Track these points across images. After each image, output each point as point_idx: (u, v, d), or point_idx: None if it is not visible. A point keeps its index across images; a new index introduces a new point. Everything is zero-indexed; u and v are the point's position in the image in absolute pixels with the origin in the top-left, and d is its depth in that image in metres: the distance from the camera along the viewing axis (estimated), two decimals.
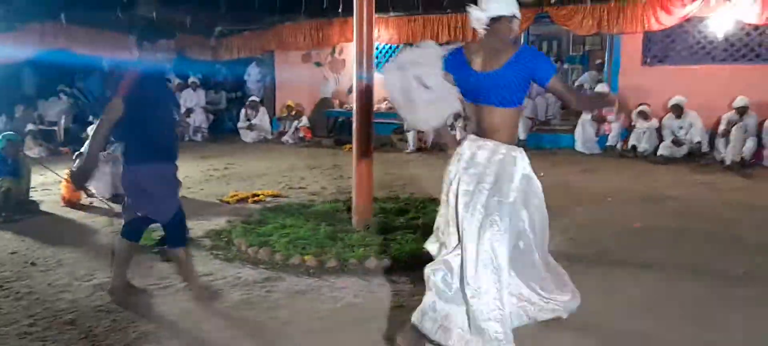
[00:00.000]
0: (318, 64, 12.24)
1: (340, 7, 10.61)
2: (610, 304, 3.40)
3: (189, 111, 11.86)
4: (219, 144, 11.40)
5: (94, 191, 6.36)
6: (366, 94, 4.89)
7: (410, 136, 9.76)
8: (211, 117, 12.31)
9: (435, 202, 5.74)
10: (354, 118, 4.92)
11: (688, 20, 8.47)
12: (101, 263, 4.24)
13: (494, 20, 2.68)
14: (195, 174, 8.04)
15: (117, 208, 6.06)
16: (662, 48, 8.96)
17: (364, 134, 4.92)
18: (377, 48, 11.42)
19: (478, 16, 2.71)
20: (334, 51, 12.02)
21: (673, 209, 5.72)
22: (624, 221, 5.26)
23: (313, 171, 8.21)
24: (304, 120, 11.86)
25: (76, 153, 6.47)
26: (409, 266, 3.96)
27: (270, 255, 4.22)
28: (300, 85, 12.41)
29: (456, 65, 2.71)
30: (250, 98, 11.96)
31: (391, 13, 10.73)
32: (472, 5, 2.78)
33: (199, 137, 11.81)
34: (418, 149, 9.76)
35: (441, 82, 2.66)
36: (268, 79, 13.20)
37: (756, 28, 8.24)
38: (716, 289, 3.60)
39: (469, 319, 2.57)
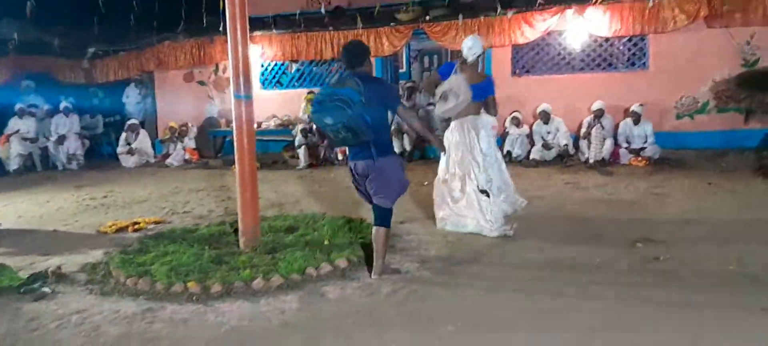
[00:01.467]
0: (201, 83, 11.95)
1: (221, 25, 10.49)
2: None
3: (62, 138, 11.07)
4: (97, 171, 10.74)
5: None
6: (246, 112, 4.87)
7: (301, 152, 9.78)
8: (87, 143, 11.57)
9: (324, 216, 5.89)
10: (235, 138, 4.90)
11: (549, 34, 9.25)
12: None
13: (478, 55, 5.37)
14: (68, 205, 7.55)
15: None
16: (529, 60, 9.71)
17: (248, 153, 4.91)
18: (263, 66, 11.39)
19: (472, 51, 5.32)
20: (217, 69, 11.79)
21: (541, 208, 6.23)
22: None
23: (199, 193, 8.01)
24: (189, 141, 11.50)
25: None
26: (298, 284, 4.02)
27: (150, 285, 4.09)
28: (183, 105, 12.04)
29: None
30: (129, 121, 11.40)
31: (274, 31, 10.73)
32: (470, 38, 5.40)
33: (74, 165, 11.06)
34: (310, 165, 9.80)
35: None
36: (148, 101, 12.66)
37: (607, 39, 9.19)
38: (575, 277, 3.99)
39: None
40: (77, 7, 11.61)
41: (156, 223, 6.28)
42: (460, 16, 9.34)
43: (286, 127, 10.53)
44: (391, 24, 9.77)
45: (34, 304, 3.96)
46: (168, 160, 11.15)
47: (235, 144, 4.95)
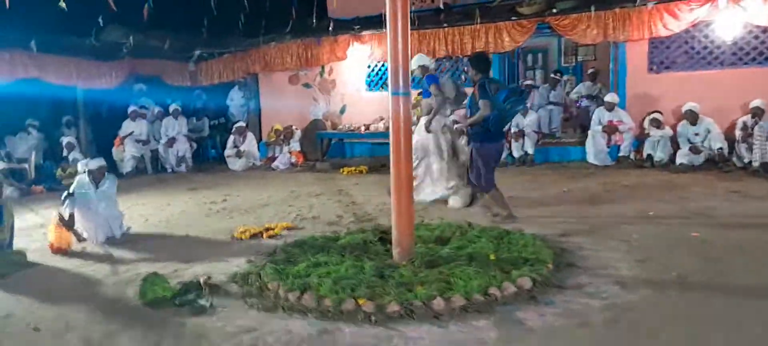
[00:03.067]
0: (307, 85, 11.74)
1: (330, 25, 10.22)
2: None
3: (172, 140, 11.16)
4: (205, 174, 10.75)
5: (86, 235, 5.74)
6: (404, 110, 4.39)
7: None
8: (195, 145, 11.62)
9: (471, 226, 5.36)
10: (391, 138, 4.43)
11: (694, 26, 8.31)
12: (117, 323, 3.62)
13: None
14: (193, 209, 7.41)
15: (116, 252, 5.45)
16: (668, 54, 8.78)
17: (404, 156, 4.43)
18: (369, 66, 11.03)
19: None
20: (323, 71, 11.54)
21: (721, 223, 5.40)
22: (685, 236, 4.90)
23: (320, 198, 7.68)
24: (294, 144, 11.31)
25: (65, 194, 5.79)
26: (483, 307, 3.49)
27: (316, 301, 3.68)
28: (287, 107, 11.88)
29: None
30: (237, 124, 11.35)
31: (384, 30, 10.30)
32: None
33: (183, 168, 11.13)
34: None
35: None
36: (253, 103, 12.62)
37: (765, 30, 8.14)
38: None
39: None
40: (186, 10, 11.69)
41: (288, 229, 5.95)
42: (592, 8, 8.57)
43: None
44: (513, 18, 9.13)
45: (196, 319, 3.63)
46: (274, 164, 11.00)
47: (391, 147, 4.48)
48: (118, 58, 11.00)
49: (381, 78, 11.17)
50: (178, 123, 11.37)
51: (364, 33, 10.43)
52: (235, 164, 11.02)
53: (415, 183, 6.36)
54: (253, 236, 5.73)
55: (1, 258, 5.04)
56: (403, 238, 4.44)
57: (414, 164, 6.39)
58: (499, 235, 4.92)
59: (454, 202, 6.68)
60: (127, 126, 11.07)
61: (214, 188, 9.09)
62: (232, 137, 11.25)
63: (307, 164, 10.98)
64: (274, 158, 11.29)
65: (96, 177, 5.94)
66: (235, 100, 12.70)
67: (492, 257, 4.32)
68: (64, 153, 10.24)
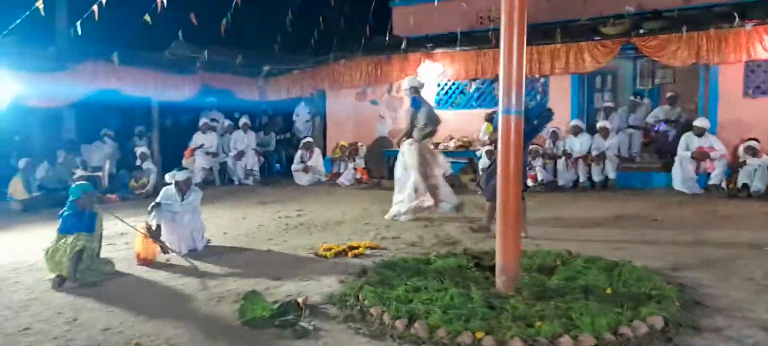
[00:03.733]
0: (374, 102, 11.65)
1: (403, 44, 10.11)
2: None
3: (241, 153, 11.23)
4: (272, 188, 10.74)
5: (171, 247, 5.70)
6: (515, 130, 4.15)
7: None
8: (262, 159, 11.66)
9: (572, 255, 5.05)
10: (500, 158, 4.19)
11: None
12: (221, 343, 3.49)
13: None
14: (269, 223, 7.34)
15: (201, 265, 5.38)
16: (766, 79, 8.25)
17: (513, 178, 4.18)
18: (439, 85, 10.85)
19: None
20: (391, 89, 11.42)
21: None
22: None
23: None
24: (360, 160, 11.21)
25: (151, 205, 5.78)
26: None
27: (427, 331, 3.45)
28: (353, 124, 11.82)
29: None
30: (305, 139, 11.34)
31: (458, 48, 10.14)
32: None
33: (250, 181, 11.17)
34: None
35: None
36: (318, 119, 12.61)
37: None
38: None
39: None
40: (257, 27, 11.83)
41: (371, 248, 5.77)
42: (684, 29, 8.14)
43: (466, 148, 9.85)
44: (596, 38, 8.78)
45: (300, 343, 3.46)
46: (340, 180, 10.91)
47: (499, 168, 4.24)
48: (191, 72, 11.16)
49: (451, 96, 10.97)
50: (247, 137, 11.45)
51: (436, 51, 10.26)
52: (302, 179, 10.98)
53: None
54: (338, 254, 5.57)
55: (92, 267, 5.02)
56: (509, 266, 4.18)
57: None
58: (609, 266, 4.59)
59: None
60: (198, 138, 11.21)
61: (284, 202, 9.03)
62: (299, 152, 11.23)
63: (372, 181, 10.84)
64: (338, 174, 11.21)
65: (182, 189, 5.92)
66: (301, 115, 12.73)
67: (609, 290, 4.01)
68: (137, 163, 10.41)
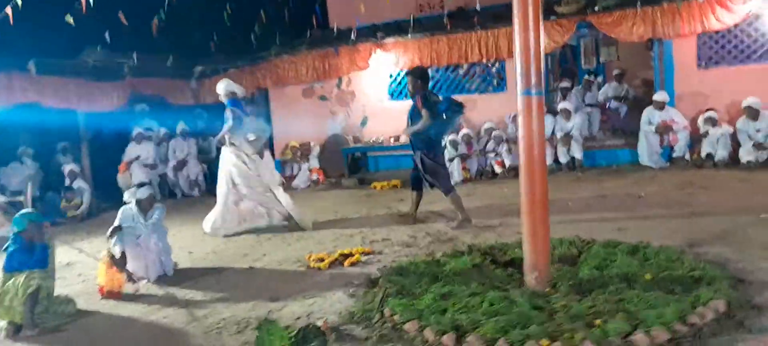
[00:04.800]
0: (323, 98, 11.09)
1: (353, 34, 9.65)
2: None
3: (182, 163, 10.35)
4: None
5: (139, 275, 4.99)
6: (537, 112, 3.83)
7: (454, 165, 8.68)
8: (205, 168, 10.81)
9: (584, 241, 4.82)
10: (522, 145, 3.86)
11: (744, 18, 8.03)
12: None
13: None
14: (236, 238, 6.64)
15: (178, 293, 4.71)
16: (717, 49, 8.47)
17: (538, 166, 3.86)
18: (391, 76, 10.48)
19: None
20: (340, 83, 10.92)
21: None
22: None
23: (375, 219, 7.02)
24: (313, 160, 10.63)
25: (111, 229, 5.01)
26: (694, 338, 2.95)
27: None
28: (301, 123, 11.21)
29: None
30: None
31: (409, 36, 9.80)
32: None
33: (196, 192, 10.33)
34: (465, 180, 8.78)
35: None
36: (260, 120, 11.86)
37: None
38: None
39: None
40: (188, 25, 10.97)
41: (366, 254, 5.31)
42: (638, 4, 8.21)
43: None
44: (551, 18, 8.69)
45: None
46: (294, 183, 10.29)
47: (521, 158, 3.91)
48: (119, 79, 10.14)
49: (404, 87, 10.62)
50: (187, 144, 10.57)
51: (387, 40, 9.86)
52: None
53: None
54: (332, 264, 5.07)
55: (50, 308, 4.25)
56: (541, 261, 3.87)
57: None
58: (632, 249, 4.40)
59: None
60: (133, 149, 10.20)
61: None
62: None
63: (330, 182, 10.31)
64: (292, 177, 10.59)
65: (144, 207, 5.19)
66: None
67: (648, 276, 3.79)
68: (67, 182, 9.31)
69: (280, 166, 10.97)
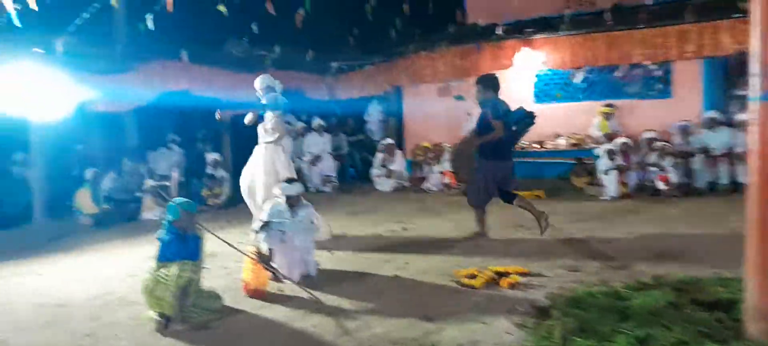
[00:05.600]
0: (459, 97, 10.57)
1: (500, 29, 9.01)
2: None
3: (316, 158, 10.32)
4: (352, 195, 9.78)
5: (285, 273, 4.76)
6: None
7: (610, 178, 7.81)
8: (339, 164, 10.73)
9: None
10: (752, 158, 3.09)
11: None
12: None
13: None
14: (375, 240, 6.32)
15: (323, 297, 4.43)
16: None
17: None
18: (538, 76, 9.74)
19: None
20: None
21: None
22: None
23: (520, 230, 6.39)
24: (446, 163, 10.14)
25: (260, 225, 4.85)
26: None
27: None
28: (435, 123, 10.82)
29: None
30: (386, 141, 10.33)
31: (560, 33, 8.99)
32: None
33: (328, 188, 10.24)
34: (624, 196, 7.84)
35: None
36: (392, 119, 11.62)
37: None
38: None
39: None
40: (326, 19, 10.92)
41: (523, 274, 4.71)
42: None
43: (578, 147, 8.68)
44: (736, 16, 7.50)
45: None
46: (425, 185, 9.88)
47: (750, 172, 3.14)
48: (261, 70, 10.29)
49: (551, 88, 9.82)
50: (323, 140, 10.53)
51: (535, 37, 9.13)
52: (384, 185, 9.99)
53: None
54: (488, 283, 4.53)
55: (198, 303, 4.11)
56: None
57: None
58: None
59: None
60: None
61: (376, 212, 8.05)
62: (379, 155, 10.24)
63: (462, 186, 9.76)
64: (422, 179, 10.19)
65: (293, 204, 4.97)
66: (373, 115, 11.78)
67: None
68: (209, 171, 9.59)
69: (410, 166, 10.64)
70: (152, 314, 4.02)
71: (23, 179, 9.52)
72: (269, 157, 6.33)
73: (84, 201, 8.66)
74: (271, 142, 6.39)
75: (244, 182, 6.50)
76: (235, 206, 9.25)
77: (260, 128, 6.50)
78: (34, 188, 7.62)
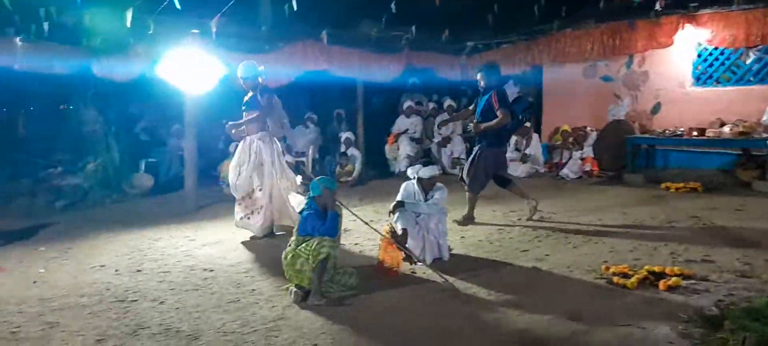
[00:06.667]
0: (607, 78, 9.79)
1: (659, 4, 8.12)
2: None
3: (446, 140, 10.13)
4: None
5: (419, 256, 4.65)
6: None
7: None
8: (468, 146, 10.44)
9: None
10: None
11: None
12: None
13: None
14: (510, 227, 6.02)
15: (458, 284, 4.27)
16: None
17: None
18: (700, 56, 8.71)
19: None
20: (631, 62, 9.48)
21: None
22: None
23: (685, 229, 5.71)
24: (587, 149, 9.47)
25: (394, 205, 4.78)
26: None
27: None
28: (577, 105, 10.11)
29: None
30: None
31: (733, 7, 7.91)
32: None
33: (457, 170, 9.96)
34: None
35: None
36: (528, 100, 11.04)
37: None
38: None
39: None
40: None
41: (686, 277, 4.17)
42: None
43: (747, 136, 7.63)
44: None
45: None
46: (563, 171, 9.30)
47: None
48: (397, 51, 10.27)
49: (715, 70, 8.74)
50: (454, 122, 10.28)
51: (702, 12, 8.12)
52: (518, 169, 9.55)
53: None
54: (641, 282, 4.07)
55: (335, 278, 4.13)
56: None
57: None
58: None
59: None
60: (402, 122, 10.34)
61: (508, 197, 7.63)
62: (513, 138, 9.79)
63: (606, 175, 9.06)
64: (560, 165, 9.62)
65: (425, 187, 4.84)
66: (509, 95, 11.26)
67: None
68: (342, 149, 9.79)
69: (547, 151, 10.09)
70: (291, 286, 4.11)
71: (177, 150, 10.41)
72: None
73: (228, 172, 9.22)
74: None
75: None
76: (363, 183, 9.39)
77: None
78: (187, 158, 8.21)
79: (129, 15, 6.51)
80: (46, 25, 6.88)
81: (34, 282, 4.62)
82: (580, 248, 5.16)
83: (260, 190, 5.83)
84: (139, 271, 4.83)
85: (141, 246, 5.66)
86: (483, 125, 5.92)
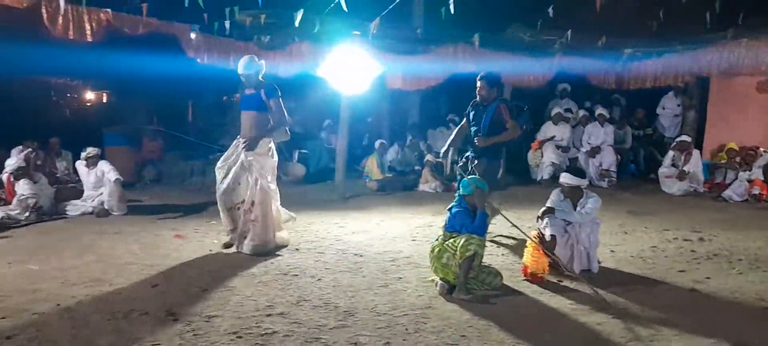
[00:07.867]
0: None
1: None
2: None
3: (595, 150, 9.72)
4: (633, 194, 8.92)
5: (566, 265, 4.58)
6: None
7: None
8: (619, 158, 9.94)
9: None
10: None
11: None
12: None
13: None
14: (664, 246, 5.67)
15: (608, 297, 4.15)
16: None
17: None
18: None
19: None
20: None
21: None
22: None
23: None
24: (757, 170, 8.57)
25: (543, 210, 4.75)
26: None
27: None
28: (748, 122, 9.20)
29: None
30: (680, 138, 9.19)
31: None
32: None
33: (605, 183, 9.58)
34: None
35: None
36: (691, 113, 10.25)
37: None
38: None
39: None
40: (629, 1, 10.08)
41: None
42: None
43: None
44: None
45: None
46: (726, 193, 8.49)
47: None
48: (549, 55, 10.05)
49: None
50: (604, 131, 9.86)
51: None
52: (672, 187, 8.91)
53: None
54: None
55: (479, 276, 4.24)
56: None
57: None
58: None
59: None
60: (548, 129, 10.09)
61: (662, 215, 7.20)
62: (670, 153, 9.16)
63: None
64: (722, 185, 8.81)
65: (568, 195, 4.75)
66: (667, 108, 10.56)
67: None
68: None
69: (707, 170, 9.28)
70: (436, 278, 4.27)
71: (327, 143, 11.11)
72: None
73: (372, 167, 9.68)
74: None
75: None
76: (503, 189, 9.28)
77: None
78: (338, 153, 8.74)
79: (299, 15, 7.08)
80: (227, 24, 7.75)
81: (210, 250, 5.26)
82: (747, 274, 4.74)
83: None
84: (297, 249, 5.29)
85: (297, 228, 6.16)
86: (492, 139, 5.49)
